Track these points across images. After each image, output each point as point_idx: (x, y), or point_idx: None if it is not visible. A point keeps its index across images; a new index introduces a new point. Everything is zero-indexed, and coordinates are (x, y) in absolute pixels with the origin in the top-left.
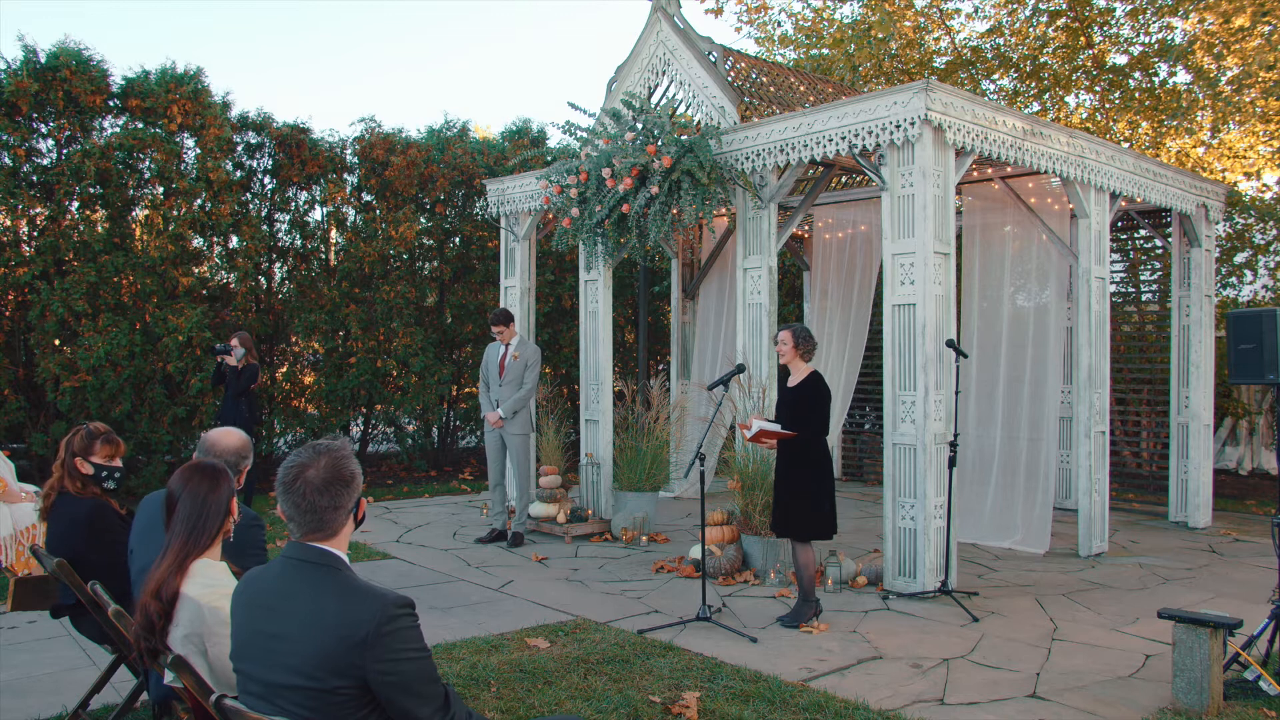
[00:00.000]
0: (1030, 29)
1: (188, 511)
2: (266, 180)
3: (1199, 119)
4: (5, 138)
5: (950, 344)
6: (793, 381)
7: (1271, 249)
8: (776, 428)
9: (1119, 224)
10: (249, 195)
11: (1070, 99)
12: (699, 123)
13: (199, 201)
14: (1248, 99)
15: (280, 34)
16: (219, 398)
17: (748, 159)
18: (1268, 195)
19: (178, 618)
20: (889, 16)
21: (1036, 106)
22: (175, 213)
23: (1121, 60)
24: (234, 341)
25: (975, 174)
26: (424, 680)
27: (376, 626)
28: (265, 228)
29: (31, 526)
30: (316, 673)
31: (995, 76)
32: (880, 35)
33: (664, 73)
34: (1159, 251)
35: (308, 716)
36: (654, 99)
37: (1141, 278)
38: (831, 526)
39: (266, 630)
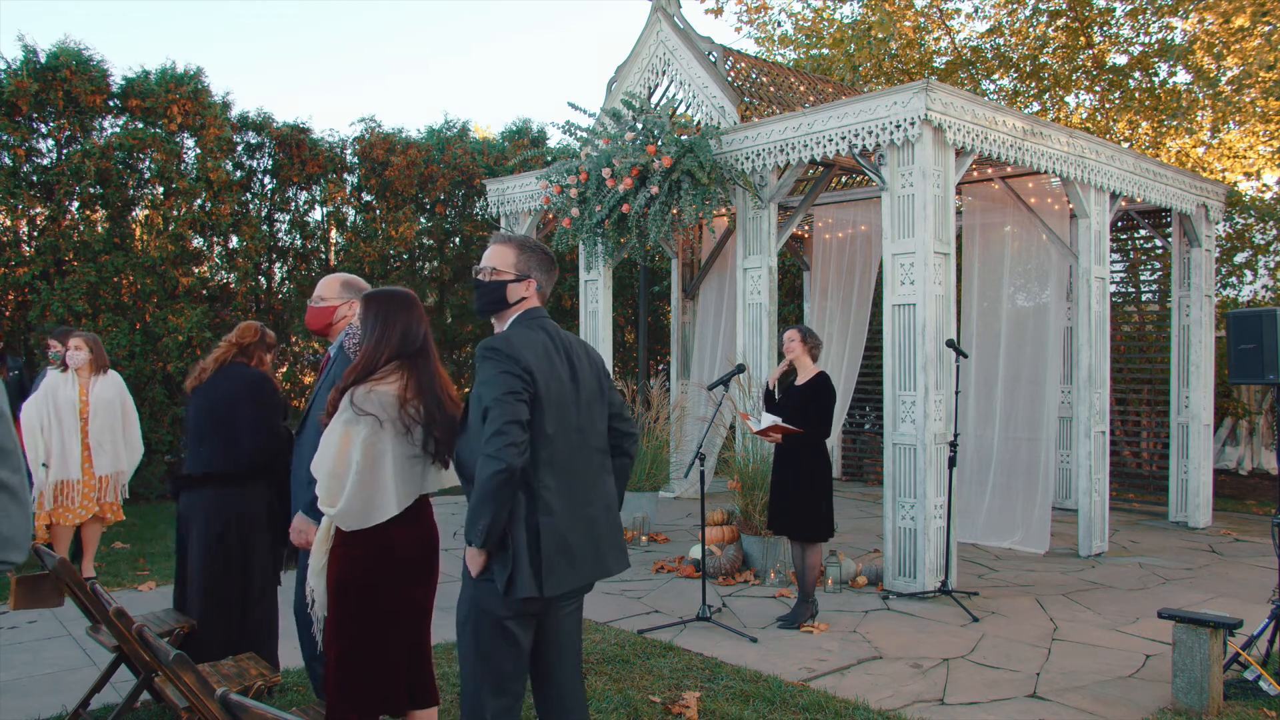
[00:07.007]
0: (1030, 29)
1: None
2: (266, 180)
3: (1199, 119)
4: (5, 138)
5: (950, 344)
6: (800, 380)
7: (1271, 249)
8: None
9: (1119, 224)
10: (249, 195)
11: (1070, 99)
12: (699, 123)
13: (199, 201)
14: (1248, 99)
15: (280, 34)
16: None
17: (748, 159)
18: (1268, 195)
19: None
20: (889, 16)
21: (1036, 106)
22: (175, 213)
23: (1121, 60)
24: None
25: (975, 174)
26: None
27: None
28: (265, 228)
29: (112, 476)
30: (600, 383)
31: (995, 76)
32: (880, 35)
33: (664, 73)
34: (1159, 251)
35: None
36: (654, 99)
37: (1141, 278)
38: (831, 528)
39: (568, 373)
